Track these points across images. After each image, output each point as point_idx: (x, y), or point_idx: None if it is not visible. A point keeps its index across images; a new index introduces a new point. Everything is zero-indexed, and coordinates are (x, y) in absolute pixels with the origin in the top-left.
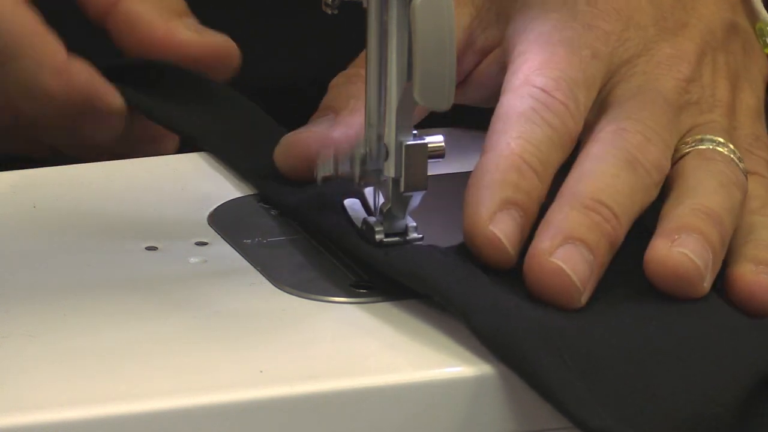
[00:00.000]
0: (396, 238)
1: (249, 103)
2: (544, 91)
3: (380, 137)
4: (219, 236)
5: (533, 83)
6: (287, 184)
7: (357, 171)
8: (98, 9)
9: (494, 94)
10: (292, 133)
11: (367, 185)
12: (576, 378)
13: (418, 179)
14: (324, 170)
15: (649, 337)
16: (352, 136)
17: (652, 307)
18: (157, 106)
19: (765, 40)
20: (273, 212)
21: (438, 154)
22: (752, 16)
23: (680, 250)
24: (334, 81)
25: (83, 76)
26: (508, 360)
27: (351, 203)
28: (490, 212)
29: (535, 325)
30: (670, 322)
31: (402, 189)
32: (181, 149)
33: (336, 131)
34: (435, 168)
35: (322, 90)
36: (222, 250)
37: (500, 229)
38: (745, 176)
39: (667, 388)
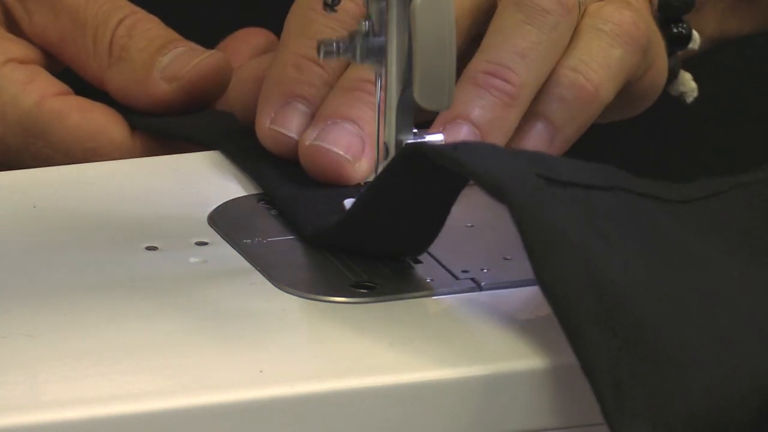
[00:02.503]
0: None
1: None
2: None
3: (382, 11)
4: (219, 236)
5: None
6: (288, 183)
7: (359, 48)
8: (93, 82)
9: None
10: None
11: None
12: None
13: None
14: (326, 48)
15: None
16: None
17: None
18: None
19: None
20: (273, 212)
21: None
22: None
23: None
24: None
25: (101, 122)
26: (560, 321)
27: (351, 203)
28: (270, 113)
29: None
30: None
31: None
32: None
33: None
34: None
35: None
36: (222, 250)
37: (280, 123)
38: None
39: (699, 386)
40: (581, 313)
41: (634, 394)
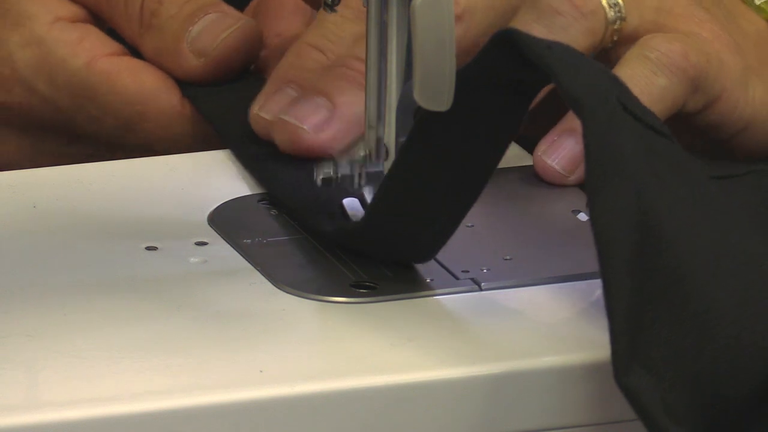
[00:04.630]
0: None
1: None
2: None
3: (380, 139)
4: (219, 236)
5: None
6: (289, 183)
7: (357, 174)
8: (131, 43)
9: None
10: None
11: (367, 185)
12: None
13: None
14: (323, 172)
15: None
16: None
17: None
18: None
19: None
20: (273, 212)
21: None
22: None
23: None
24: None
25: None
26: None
27: (350, 203)
28: (261, 100)
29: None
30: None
31: None
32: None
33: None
34: None
35: None
36: (222, 250)
37: (268, 109)
38: None
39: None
40: (621, 251)
41: (649, 341)
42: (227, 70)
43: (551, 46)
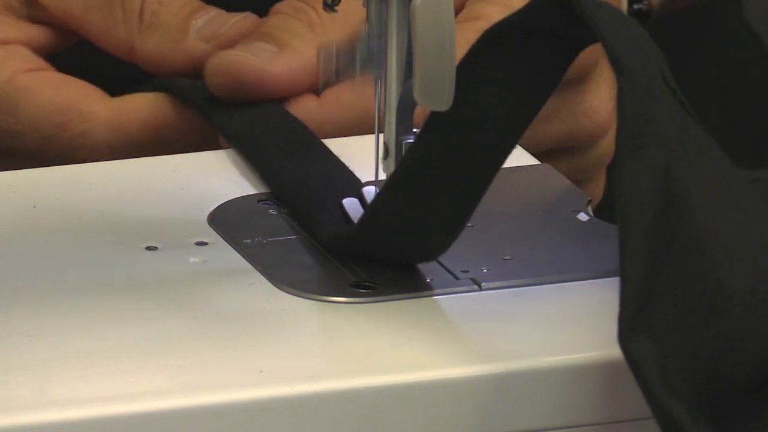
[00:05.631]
0: None
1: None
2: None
3: (380, 35)
4: (219, 236)
5: None
6: (289, 183)
7: (358, 63)
8: (118, 52)
9: None
10: (230, 53)
11: (367, 185)
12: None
13: None
14: (326, 62)
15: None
16: (291, 77)
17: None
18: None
19: None
20: (273, 212)
21: None
22: None
23: None
24: (278, 7)
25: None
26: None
27: (350, 203)
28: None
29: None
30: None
31: None
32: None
33: (276, 67)
34: None
35: None
36: (222, 250)
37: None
38: None
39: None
40: (643, 215)
41: (656, 309)
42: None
43: (601, 5)
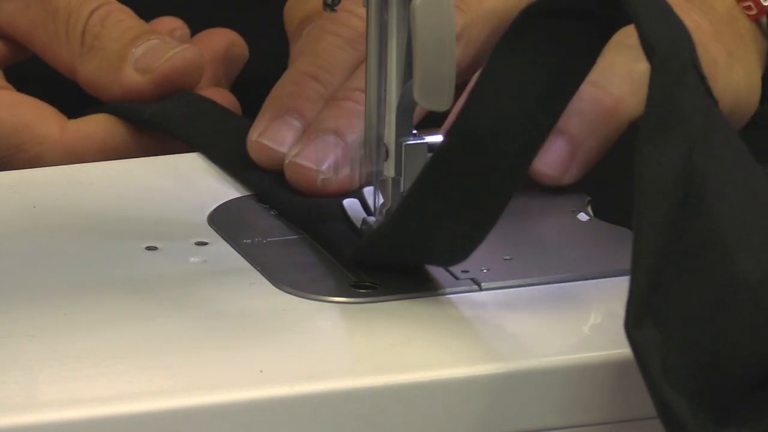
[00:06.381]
0: None
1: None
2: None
3: (380, 138)
4: (219, 236)
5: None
6: (285, 187)
7: (357, 173)
8: (63, 71)
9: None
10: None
11: (367, 185)
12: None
13: None
14: (325, 173)
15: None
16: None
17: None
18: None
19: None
20: (273, 212)
21: None
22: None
23: None
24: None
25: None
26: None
27: (351, 203)
28: (261, 126)
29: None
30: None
31: (402, 189)
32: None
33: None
34: None
35: None
36: (222, 250)
37: (269, 136)
38: None
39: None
40: (661, 203)
41: (665, 298)
42: (169, 91)
43: None
